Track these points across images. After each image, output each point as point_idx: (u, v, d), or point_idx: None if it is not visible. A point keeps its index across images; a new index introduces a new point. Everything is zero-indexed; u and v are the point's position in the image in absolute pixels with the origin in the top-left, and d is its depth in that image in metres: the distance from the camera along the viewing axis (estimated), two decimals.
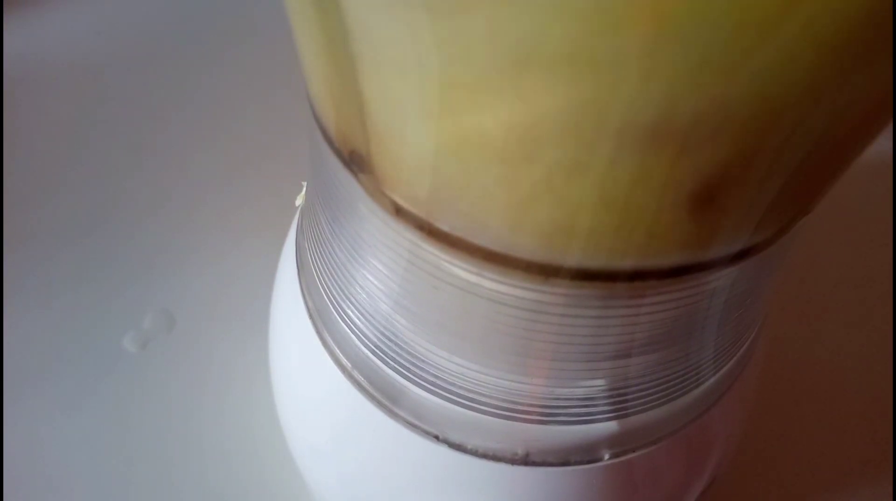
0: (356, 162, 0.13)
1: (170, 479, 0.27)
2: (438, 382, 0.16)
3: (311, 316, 0.18)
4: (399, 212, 0.13)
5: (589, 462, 0.16)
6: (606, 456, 0.16)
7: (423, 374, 0.16)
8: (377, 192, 0.13)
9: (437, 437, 0.16)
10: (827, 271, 0.34)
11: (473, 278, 0.13)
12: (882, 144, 0.31)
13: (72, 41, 0.38)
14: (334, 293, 0.17)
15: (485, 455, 0.16)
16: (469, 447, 0.16)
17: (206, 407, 0.28)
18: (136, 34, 0.39)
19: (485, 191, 0.11)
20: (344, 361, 0.17)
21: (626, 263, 0.12)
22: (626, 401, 0.15)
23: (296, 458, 0.22)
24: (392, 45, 0.10)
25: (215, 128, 0.36)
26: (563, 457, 0.16)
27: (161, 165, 0.34)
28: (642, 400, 0.16)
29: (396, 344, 0.16)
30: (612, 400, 0.15)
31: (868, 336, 0.32)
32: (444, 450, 0.16)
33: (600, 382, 0.15)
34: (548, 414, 0.15)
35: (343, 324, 0.17)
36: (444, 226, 0.12)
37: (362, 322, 0.16)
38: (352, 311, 0.16)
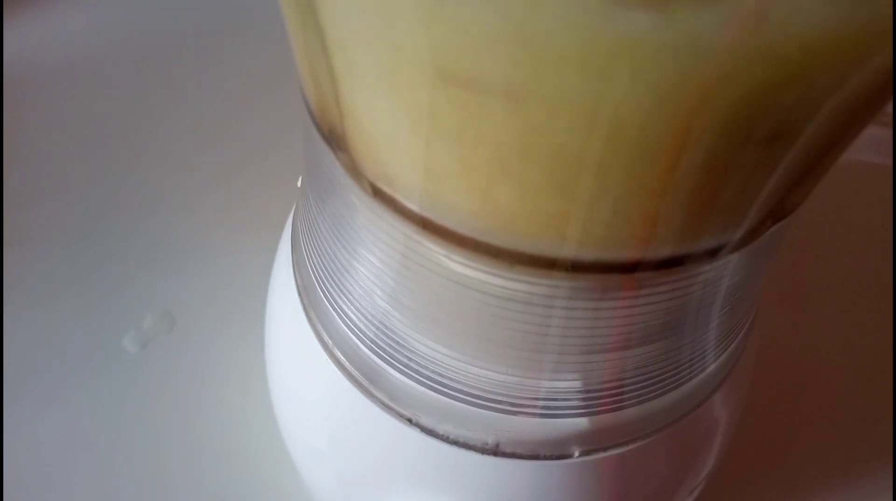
0: (335, 140, 0.13)
1: (169, 479, 0.27)
2: (412, 365, 0.16)
3: (299, 294, 0.18)
4: (376, 192, 0.13)
5: (559, 457, 0.16)
6: (576, 453, 0.16)
7: (399, 356, 0.16)
8: (354, 171, 0.13)
9: (409, 420, 0.16)
10: (826, 271, 0.34)
11: (444, 262, 0.13)
12: (882, 142, 0.31)
13: (72, 41, 0.38)
14: (319, 271, 0.17)
15: (455, 442, 0.16)
16: (440, 432, 0.16)
17: (205, 407, 0.28)
18: (136, 34, 0.39)
19: (447, 172, 0.11)
20: (326, 339, 0.17)
21: (620, 254, 0.12)
22: (598, 399, 0.15)
23: (290, 451, 0.22)
24: (353, 21, 0.10)
25: (214, 128, 0.36)
26: (532, 450, 0.16)
27: (160, 165, 0.34)
28: (615, 399, 0.16)
29: (374, 324, 0.16)
30: (583, 396, 0.15)
31: (867, 334, 0.32)
32: (416, 434, 0.16)
33: (574, 376, 0.15)
34: (518, 405, 0.15)
35: (326, 302, 0.17)
36: (415, 207, 0.13)
37: (343, 300, 0.16)
38: (335, 290, 0.16)
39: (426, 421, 0.16)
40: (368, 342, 0.16)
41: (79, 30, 0.38)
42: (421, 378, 0.16)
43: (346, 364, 0.17)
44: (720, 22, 0.08)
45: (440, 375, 0.16)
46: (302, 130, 0.16)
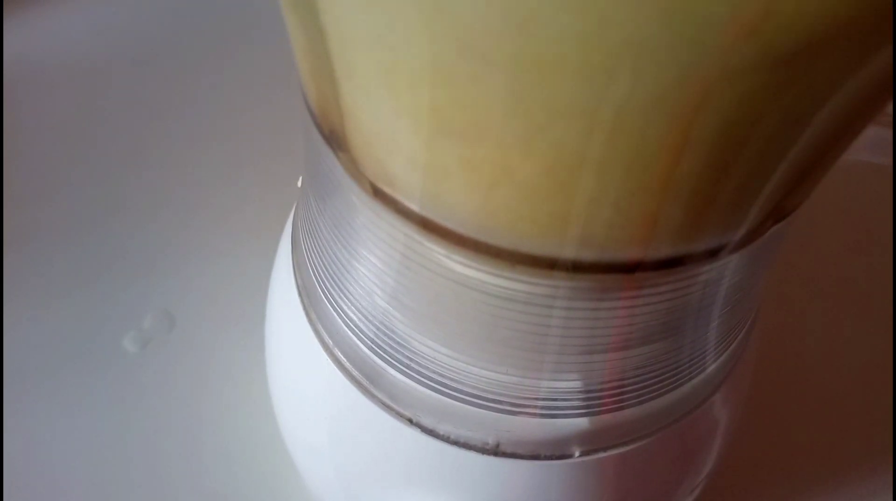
0: (335, 140, 0.13)
1: (169, 478, 0.27)
2: (413, 365, 0.16)
3: (299, 294, 0.18)
4: (377, 193, 0.13)
5: (559, 457, 0.16)
6: (577, 453, 0.16)
7: (400, 356, 0.16)
8: (355, 171, 0.13)
9: (410, 420, 0.16)
10: (827, 272, 0.34)
11: (444, 262, 0.13)
12: (882, 142, 0.31)
13: (72, 41, 0.38)
14: (319, 271, 0.17)
15: (456, 442, 0.16)
16: (441, 432, 0.16)
17: (205, 407, 0.28)
18: (136, 35, 0.39)
19: (448, 172, 0.11)
20: (327, 339, 0.17)
21: (620, 254, 0.12)
22: (599, 399, 0.15)
23: (291, 451, 0.22)
24: (354, 20, 0.10)
25: (215, 128, 0.36)
26: (533, 450, 0.16)
27: (161, 166, 0.34)
28: (615, 399, 0.16)
29: (374, 324, 0.16)
30: (584, 397, 0.15)
31: (867, 334, 0.32)
32: (416, 434, 0.16)
33: (575, 376, 0.15)
34: (518, 405, 0.15)
35: (326, 302, 0.17)
36: (415, 207, 0.13)
37: (343, 300, 0.16)
38: (335, 290, 0.16)
39: (426, 421, 0.16)
40: (369, 342, 0.16)
41: (79, 30, 0.38)
42: (421, 378, 0.16)
43: (347, 364, 0.17)
44: (722, 21, 0.08)
45: (440, 375, 0.16)
46: (302, 130, 0.16)
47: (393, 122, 0.11)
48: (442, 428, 0.16)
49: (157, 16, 0.40)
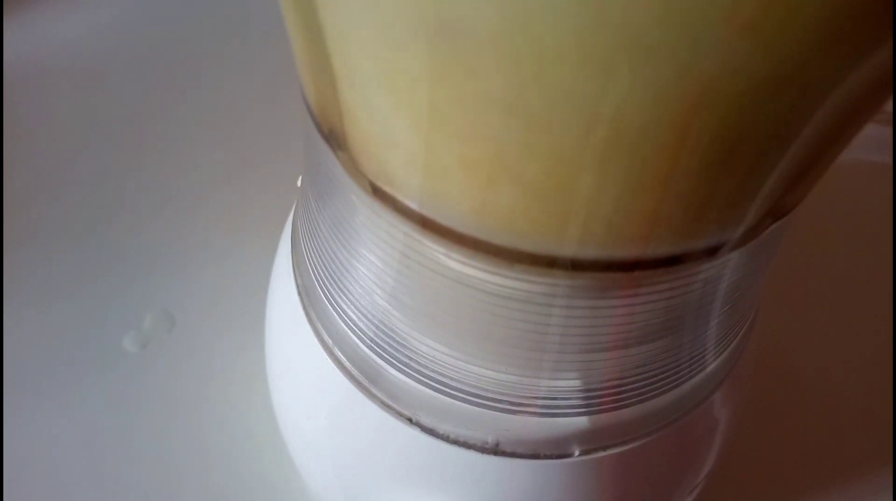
0: (334, 139, 0.13)
1: (169, 478, 0.27)
2: (412, 364, 0.16)
3: (299, 294, 0.18)
4: (376, 191, 0.13)
5: (559, 456, 0.16)
6: (576, 452, 0.16)
7: (399, 355, 0.16)
8: (354, 170, 0.13)
9: (409, 420, 0.16)
10: (826, 270, 0.34)
11: (444, 260, 0.13)
12: (881, 140, 0.31)
13: (72, 41, 0.38)
14: (319, 270, 0.17)
15: (455, 442, 0.16)
16: (440, 431, 0.16)
17: (205, 407, 0.28)
18: (136, 35, 0.39)
19: (446, 170, 0.11)
20: (326, 338, 0.17)
21: (619, 252, 0.12)
22: (598, 397, 0.15)
23: (291, 451, 0.22)
24: (352, 17, 0.10)
25: (216, 128, 0.36)
26: (532, 449, 0.16)
27: (161, 166, 0.34)
28: (615, 398, 0.16)
29: (374, 323, 0.16)
30: (583, 395, 0.15)
31: (867, 333, 0.32)
32: (416, 434, 0.16)
33: (574, 375, 0.15)
34: (518, 404, 0.15)
35: (326, 301, 0.17)
36: (414, 206, 0.13)
37: (343, 300, 0.16)
38: (334, 289, 0.16)
39: (426, 421, 0.16)
40: (368, 341, 0.16)
41: (79, 30, 0.38)
42: (421, 378, 0.16)
43: (346, 364, 0.17)
44: (720, 16, 0.08)
45: (440, 374, 0.16)
46: (302, 129, 0.16)
47: (392, 120, 0.11)
48: (441, 427, 0.16)
49: (157, 16, 0.40)
